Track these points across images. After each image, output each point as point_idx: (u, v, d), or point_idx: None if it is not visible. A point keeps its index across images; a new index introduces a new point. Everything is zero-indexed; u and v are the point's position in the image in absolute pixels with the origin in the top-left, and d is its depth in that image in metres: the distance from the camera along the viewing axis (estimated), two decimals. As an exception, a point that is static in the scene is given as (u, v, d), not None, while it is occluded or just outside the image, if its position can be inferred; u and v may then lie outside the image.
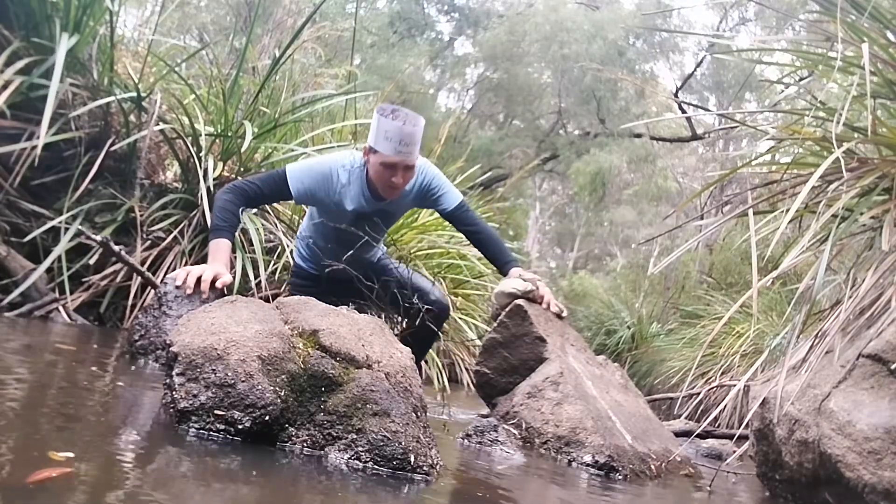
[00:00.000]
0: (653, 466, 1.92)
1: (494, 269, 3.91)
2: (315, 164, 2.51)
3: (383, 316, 2.79)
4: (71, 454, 0.95)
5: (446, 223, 4.19)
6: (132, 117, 2.87)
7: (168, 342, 1.32)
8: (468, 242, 4.20)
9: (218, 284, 2.12)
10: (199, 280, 2.09)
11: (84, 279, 2.59)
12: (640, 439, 2.01)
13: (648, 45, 11.97)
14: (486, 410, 2.33)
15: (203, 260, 2.44)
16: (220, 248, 2.24)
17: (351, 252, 2.47)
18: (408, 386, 1.40)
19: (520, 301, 2.12)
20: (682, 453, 2.15)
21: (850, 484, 1.42)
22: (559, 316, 2.32)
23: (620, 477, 1.77)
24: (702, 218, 5.91)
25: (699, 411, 4.41)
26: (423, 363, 3.55)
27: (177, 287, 2.08)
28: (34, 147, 2.35)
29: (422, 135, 2.38)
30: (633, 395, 2.35)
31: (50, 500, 0.80)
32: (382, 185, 2.41)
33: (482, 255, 3.94)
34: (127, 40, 3.61)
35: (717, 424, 3.94)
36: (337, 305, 2.29)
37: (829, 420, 1.49)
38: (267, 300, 2.41)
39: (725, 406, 3.96)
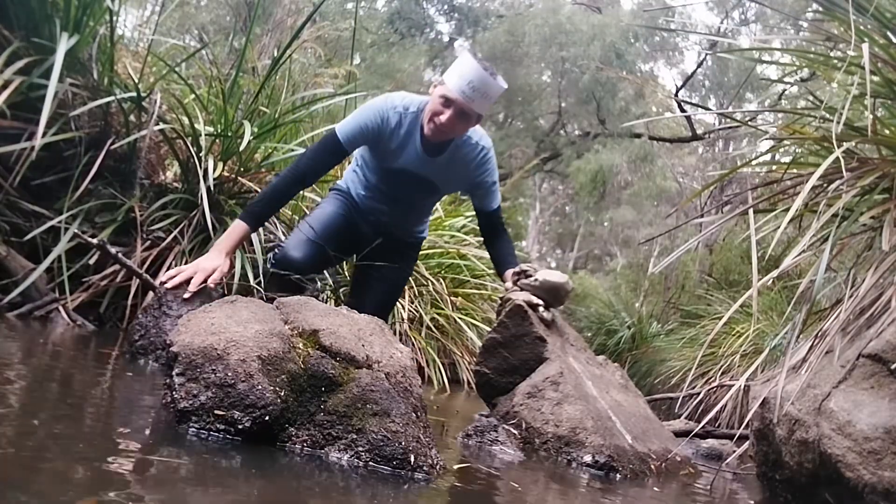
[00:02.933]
0: (653, 466, 1.93)
1: (494, 269, 3.92)
2: (364, 107, 2.43)
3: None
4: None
5: (446, 223, 4.21)
6: (132, 117, 2.86)
7: (168, 342, 1.32)
8: (468, 242, 4.24)
9: (210, 283, 2.13)
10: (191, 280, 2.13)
11: (84, 279, 2.59)
12: (640, 439, 2.01)
13: (649, 45, 11.97)
14: (486, 410, 2.33)
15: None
16: (228, 234, 2.30)
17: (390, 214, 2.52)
18: (408, 386, 1.40)
19: (520, 301, 2.12)
20: (682, 453, 2.15)
21: (850, 484, 1.42)
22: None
23: (620, 477, 1.77)
24: (702, 218, 5.91)
25: (699, 411, 4.41)
26: (423, 364, 3.56)
27: (168, 289, 2.10)
28: (33, 147, 2.35)
29: (495, 98, 2.29)
30: (633, 395, 2.35)
31: (46, 500, 0.80)
32: (430, 121, 2.28)
33: (486, 256, 3.95)
34: (127, 40, 3.61)
35: (717, 424, 3.94)
36: (336, 254, 2.51)
37: (829, 420, 1.49)
38: (270, 300, 2.43)
39: (725, 406, 3.96)
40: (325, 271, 3.05)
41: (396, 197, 2.58)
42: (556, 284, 2.16)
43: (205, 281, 2.13)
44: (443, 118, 2.24)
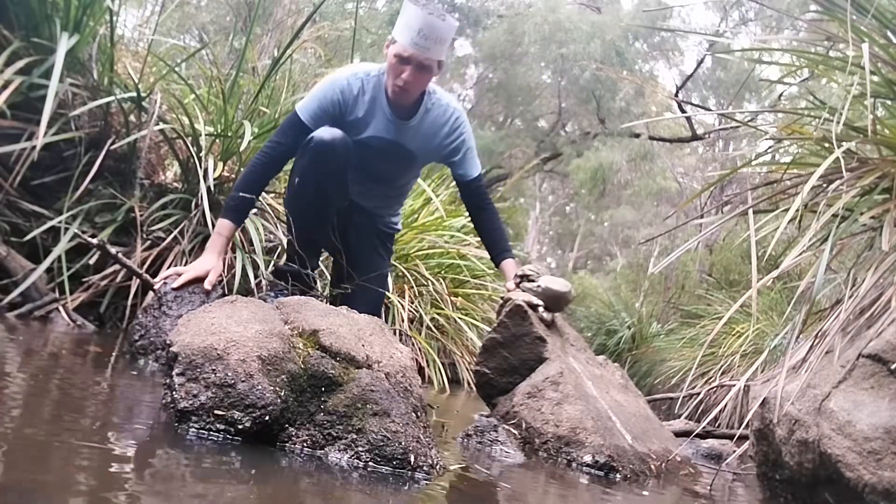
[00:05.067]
0: (653, 466, 1.92)
1: (494, 269, 3.86)
2: (323, 81, 2.34)
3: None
4: None
5: (446, 223, 4.21)
6: (132, 117, 2.86)
7: (168, 342, 1.33)
8: (468, 242, 4.23)
9: (206, 285, 2.15)
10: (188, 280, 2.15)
11: (84, 279, 2.59)
12: (640, 439, 2.01)
13: (649, 45, 11.97)
14: (486, 410, 2.33)
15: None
16: (215, 235, 2.27)
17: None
18: (408, 386, 1.40)
19: (520, 301, 2.12)
20: (682, 453, 2.15)
21: (850, 484, 1.42)
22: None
23: (620, 477, 1.77)
24: (702, 218, 5.91)
25: (699, 411, 4.41)
26: (423, 364, 3.56)
27: (172, 289, 2.12)
28: (34, 147, 2.35)
29: (450, 39, 2.18)
30: (633, 395, 2.35)
31: (49, 501, 0.80)
32: (392, 85, 2.23)
33: (485, 256, 3.91)
34: (127, 40, 3.61)
35: (717, 424, 3.93)
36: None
37: (829, 420, 1.49)
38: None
39: (725, 406, 3.96)
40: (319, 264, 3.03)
41: (374, 174, 2.48)
42: (557, 293, 2.13)
43: (199, 281, 2.16)
44: (404, 76, 2.17)
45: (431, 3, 2.17)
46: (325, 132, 2.26)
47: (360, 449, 1.26)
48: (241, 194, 2.27)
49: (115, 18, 2.81)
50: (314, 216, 2.37)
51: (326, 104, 2.31)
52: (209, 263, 2.20)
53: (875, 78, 1.86)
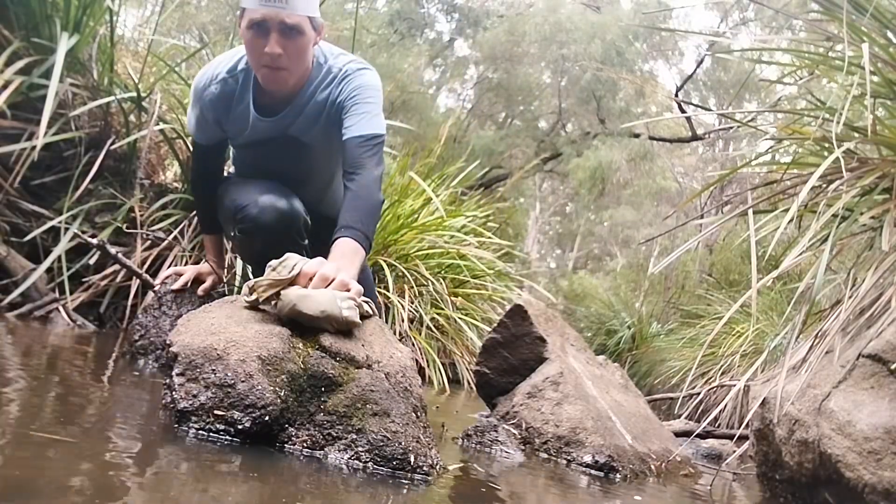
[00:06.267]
0: (653, 466, 1.93)
1: (494, 270, 3.85)
2: (191, 92, 1.96)
3: None
4: None
5: (446, 223, 4.20)
6: (132, 117, 2.86)
7: (168, 342, 1.32)
8: (468, 242, 4.23)
9: (200, 292, 2.16)
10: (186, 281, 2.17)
11: (84, 279, 2.59)
12: (640, 439, 2.01)
13: (649, 45, 11.97)
14: (486, 410, 2.33)
15: (202, 260, 2.47)
16: (206, 247, 2.28)
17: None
18: (408, 386, 1.40)
19: (520, 301, 2.12)
20: (682, 453, 2.15)
21: (850, 484, 1.42)
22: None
23: (620, 477, 1.77)
24: (702, 218, 5.91)
25: (699, 411, 4.41)
26: (423, 364, 3.56)
27: (173, 290, 2.15)
28: (34, 147, 2.35)
29: None
30: (633, 395, 2.35)
31: (48, 501, 0.80)
32: (260, 69, 1.77)
33: (486, 256, 3.86)
34: (127, 40, 3.61)
35: (717, 424, 3.93)
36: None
37: (829, 420, 1.49)
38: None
39: (725, 406, 3.96)
40: None
41: (293, 176, 2.05)
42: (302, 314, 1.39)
43: (199, 282, 2.19)
44: (267, 48, 1.70)
45: None
46: (252, 208, 1.85)
47: (360, 449, 1.26)
48: (203, 210, 2.26)
49: (115, 18, 2.81)
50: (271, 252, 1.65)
51: (200, 118, 1.99)
52: (207, 267, 2.23)
53: (875, 78, 1.85)
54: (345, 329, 1.42)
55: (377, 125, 1.85)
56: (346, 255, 1.61)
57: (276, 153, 2.00)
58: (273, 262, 1.43)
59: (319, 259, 1.49)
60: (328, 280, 1.43)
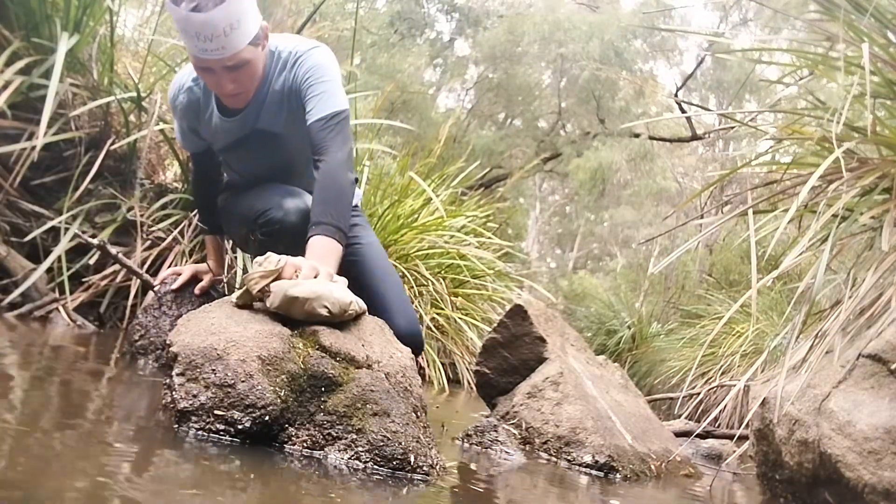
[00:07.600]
0: (653, 466, 1.92)
1: (494, 270, 3.83)
2: (168, 95, 2.01)
3: None
4: None
5: (446, 223, 4.20)
6: (132, 117, 2.87)
7: (168, 342, 1.32)
8: (468, 242, 4.24)
9: (196, 291, 2.17)
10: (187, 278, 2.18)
11: (84, 279, 2.59)
12: (640, 439, 2.01)
13: (648, 45, 11.97)
14: (486, 410, 2.33)
15: (203, 259, 2.48)
16: (207, 248, 2.33)
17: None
18: (408, 386, 1.40)
19: (520, 301, 2.12)
20: (682, 453, 2.15)
21: (850, 484, 1.42)
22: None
23: (620, 477, 1.77)
24: (702, 218, 5.91)
25: (699, 411, 4.41)
26: (423, 364, 3.56)
27: (170, 290, 2.16)
28: (34, 147, 2.35)
29: (240, 14, 1.65)
30: (633, 395, 2.35)
31: (48, 501, 0.80)
32: (222, 96, 1.85)
33: (486, 257, 3.85)
34: (127, 40, 3.61)
35: (717, 424, 3.93)
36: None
37: (829, 420, 1.49)
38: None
39: (725, 406, 3.96)
40: None
41: (269, 166, 2.08)
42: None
43: (199, 282, 2.20)
44: (222, 90, 1.77)
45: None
46: (277, 211, 1.91)
47: (360, 449, 1.26)
48: (203, 210, 2.30)
49: (115, 18, 2.81)
50: (292, 251, 1.67)
51: (182, 129, 2.10)
52: (205, 266, 2.25)
53: (875, 78, 1.86)
54: (338, 312, 1.43)
55: (336, 102, 1.83)
56: (324, 255, 1.64)
57: (256, 151, 2.02)
58: (259, 259, 1.45)
59: (300, 257, 1.53)
60: (315, 270, 1.49)
